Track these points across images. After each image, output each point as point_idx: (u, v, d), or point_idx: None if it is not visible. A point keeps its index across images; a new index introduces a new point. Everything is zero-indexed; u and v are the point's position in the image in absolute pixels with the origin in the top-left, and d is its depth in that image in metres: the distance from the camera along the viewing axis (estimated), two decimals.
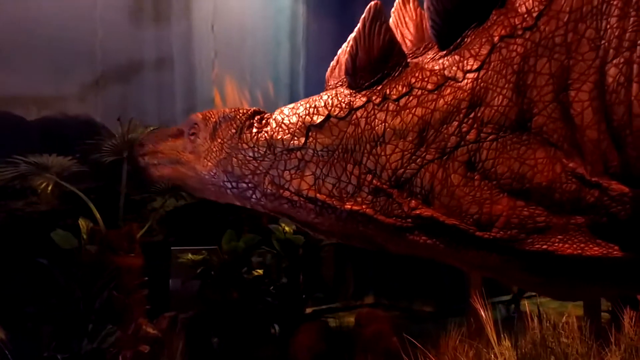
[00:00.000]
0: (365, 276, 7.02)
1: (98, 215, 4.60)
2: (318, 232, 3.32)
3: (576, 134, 2.46)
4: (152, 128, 5.30)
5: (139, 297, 4.38)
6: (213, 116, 3.56)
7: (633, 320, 3.07)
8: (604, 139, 2.38)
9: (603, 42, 2.37)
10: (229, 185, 3.30)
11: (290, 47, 9.88)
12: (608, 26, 2.37)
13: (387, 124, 2.87)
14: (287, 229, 5.30)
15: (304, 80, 10.07)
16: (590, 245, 2.52)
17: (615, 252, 2.49)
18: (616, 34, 2.34)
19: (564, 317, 3.10)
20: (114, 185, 5.21)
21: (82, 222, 4.62)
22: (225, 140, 3.31)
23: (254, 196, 3.22)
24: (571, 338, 2.79)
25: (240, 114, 3.45)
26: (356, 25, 3.27)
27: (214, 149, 3.32)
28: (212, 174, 3.33)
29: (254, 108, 3.56)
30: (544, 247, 2.58)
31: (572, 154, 2.47)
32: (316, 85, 10.39)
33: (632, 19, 2.30)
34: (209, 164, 3.33)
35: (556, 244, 2.57)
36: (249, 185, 3.20)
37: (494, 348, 3.07)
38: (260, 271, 5.01)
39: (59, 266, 4.49)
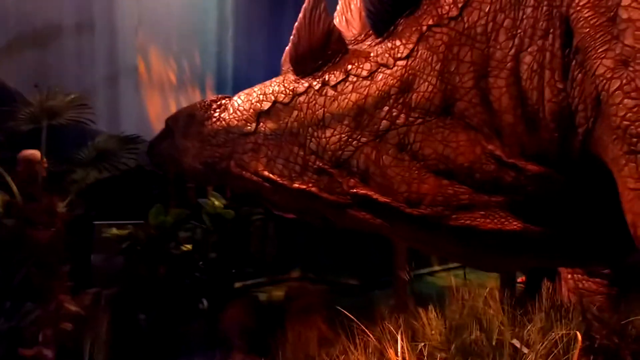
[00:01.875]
0: (292, 250, 7.11)
1: (15, 188, 4.36)
2: (277, 208, 3.54)
3: (495, 118, 2.63)
4: (72, 96, 5.06)
5: (60, 273, 4.22)
6: (180, 116, 3.78)
7: (549, 290, 3.33)
8: (519, 123, 2.56)
9: (519, 31, 2.52)
10: (209, 173, 3.54)
11: (219, 16, 9.63)
12: (524, 16, 2.51)
13: (326, 109, 3.05)
14: (217, 203, 5.27)
15: (233, 50, 9.87)
16: (510, 221, 2.74)
17: (532, 227, 2.72)
18: (531, 23, 2.48)
19: (487, 289, 3.31)
20: None
21: None
22: (193, 136, 3.54)
23: (228, 179, 3.49)
24: (494, 309, 2.99)
25: (198, 109, 3.63)
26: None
27: (188, 146, 3.55)
28: (193, 168, 3.55)
29: (212, 98, 3.68)
30: (467, 222, 2.79)
31: (491, 137, 2.65)
32: (245, 56, 10.26)
33: (544, 8, 2.45)
34: (188, 160, 3.56)
35: (478, 220, 2.78)
36: (221, 170, 3.44)
37: (422, 319, 3.22)
38: (189, 246, 4.96)
39: None
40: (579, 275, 3.66)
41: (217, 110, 3.54)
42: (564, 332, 2.56)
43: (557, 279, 3.82)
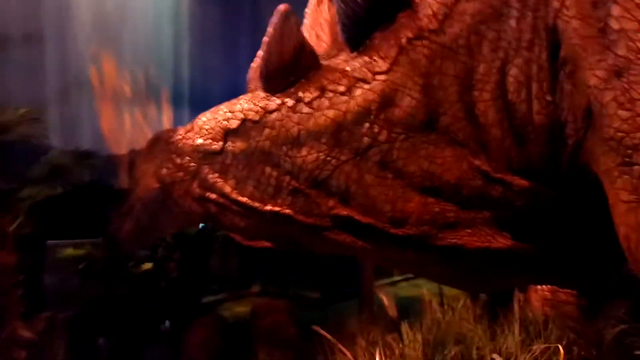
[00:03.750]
0: (251, 265, 6.97)
1: None
2: (247, 237, 3.32)
3: (481, 132, 2.60)
4: (23, 110, 4.80)
5: (13, 298, 3.95)
6: (146, 145, 3.54)
7: (520, 302, 3.34)
8: (506, 136, 2.54)
9: (503, 43, 2.51)
10: (164, 197, 3.25)
11: (174, 31, 9.44)
12: (508, 28, 2.50)
13: (301, 127, 2.91)
14: None
15: (189, 62, 9.67)
16: (497, 238, 2.71)
17: (520, 244, 2.70)
18: (515, 35, 2.47)
19: (461, 301, 3.29)
20: None
21: None
22: (156, 156, 3.28)
23: (186, 203, 3.19)
24: (470, 323, 2.97)
25: (164, 132, 3.43)
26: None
27: (149, 168, 3.29)
28: (150, 189, 3.27)
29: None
30: (454, 241, 2.73)
31: (478, 151, 2.62)
32: (202, 68, 10.08)
33: (529, 19, 2.44)
34: (146, 181, 3.28)
35: (465, 238, 2.73)
36: (180, 192, 3.17)
37: (397, 333, 3.17)
38: (149, 264, 4.75)
39: None
40: (549, 287, 3.70)
41: (183, 130, 3.34)
42: (544, 345, 2.57)
43: (528, 290, 3.86)
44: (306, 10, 3.35)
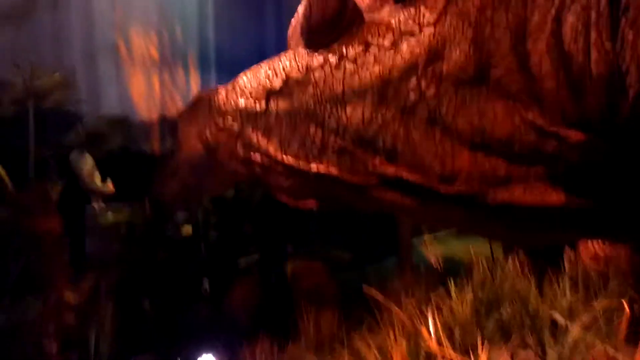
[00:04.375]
0: (282, 227, 6.99)
1: (5, 175, 4.12)
2: (293, 196, 3.29)
3: (534, 84, 2.46)
4: (58, 76, 4.79)
5: (60, 264, 4.03)
6: (186, 108, 3.56)
7: (571, 259, 3.26)
8: (562, 88, 2.40)
9: None
10: (210, 158, 3.28)
11: None
12: None
13: (346, 83, 2.80)
14: None
15: (214, 24, 9.53)
16: (551, 193, 2.60)
17: (574, 199, 2.60)
18: None
19: (509, 258, 3.23)
20: (20, 141, 4.67)
21: None
22: (199, 118, 3.28)
23: (231, 163, 3.20)
24: (522, 279, 2.91)
25: (207, 92, 3.41)
26: None
27: (191, 130, 3.30)
28: (193, 151, 3.29)
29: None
30: (506, 197, 2.62)
31: (531, 105, 2.49)
32: (227, 29, 9.93)
33: None
34: (189, 143, 3.30)
35: (517, 194, 2.61)
36: (225, 153, 3.17)
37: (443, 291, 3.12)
38: (189, 229, 4.79)
39: None
40: (600, 243, 3.60)
41: (225, 91, 3.31)
42: (605, 301, 2.49)
43: (577, 246, 3.77)
44: None
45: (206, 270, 4.94)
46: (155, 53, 8.65)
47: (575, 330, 2.33)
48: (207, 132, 3.24)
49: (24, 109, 4.51)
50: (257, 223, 5.45)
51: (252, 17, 10.12)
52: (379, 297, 2.94)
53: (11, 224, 3.92)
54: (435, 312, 2.82)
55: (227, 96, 3.23)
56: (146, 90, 8.51)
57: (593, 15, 2.27)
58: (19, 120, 4.52)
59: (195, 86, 9.44)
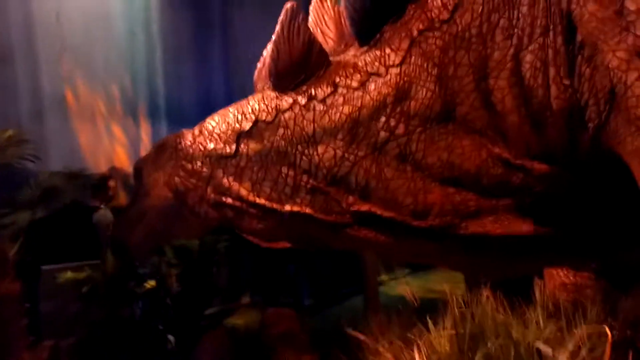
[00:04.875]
0: (239, 275, 6.86)
1: None
2: (265, 239, 3.26)
3: (498, 120, 2.58)
4: (10, 132, 4.63)
5: (18, 328, 3.79)
6: (149, 153, 3.50)
7: (541, 288, 3.31)
8: (525, 122, 2.53)
9: (516, 30, 2.48)
10: (178, 205, 3.22)
11: (146, 39, 9.26)
12: (520, 15, 2.48)
13: (316, 124, 2.87)
14: None
15: (163, 74, 9.50)
16: (519, 224, 2.69)
17: (540, 229, 2.69)
18: (528, 21, 2.45)
19: (484, 293, 3.24)
20: None
21: None
22: (165, 164, 3.23)
23: (201, 210, 3.16)
24: (501, 313, 2.92)
25: (170, 138, 3.39)
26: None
27: (159, 177, 3.23)
28: (163, 199, 3.22)
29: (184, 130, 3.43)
30: (478, 229, 2.70)
31: (496, 139, 2.60)
32: (176, 80, 9.91)
33: (541, 4, 2.42)
34: (157, 191, 3.25)
35: (488, 226, 2.71)
36: (195, 199, 3.13)
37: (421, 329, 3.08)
38: (153, 282, 4.62)
39: None
40: (566, 271, 3.70)
41: (191, 135, 3.30)
42: (585, 329, 2.53)
43: (545, 276, 3.85)
44: (310, 7, 3.30)
45: (172, 325, 4.75)
46: (103, 105, 8.52)
47: (562, 359, 2.35)
48: (176, 179, 3.20)
49: None
50: (223, 273, 5.33)
51: (200, 67, 10.18)
52: (360, 337, 2.90)
53: None
54: (422, 347, 2.78)
55: (194, 140, 3.21)
56: (95, 144, 8.33)
57: (550, 53, 2.42)
58: None
59: (146, 137, 9.32)
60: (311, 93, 2.91)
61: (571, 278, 3.63)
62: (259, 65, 3.36)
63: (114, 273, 4.56)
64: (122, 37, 8.89)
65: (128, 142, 8.87)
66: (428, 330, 3.13)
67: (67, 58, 7.91)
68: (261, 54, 3.33)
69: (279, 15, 3.03)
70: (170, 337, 4.83)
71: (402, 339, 3.27)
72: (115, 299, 4.51)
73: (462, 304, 3.31)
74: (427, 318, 3.28)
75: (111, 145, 8.64)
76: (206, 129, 3.21)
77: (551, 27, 2.42)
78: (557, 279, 3.73)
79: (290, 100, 2.95)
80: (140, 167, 3.49)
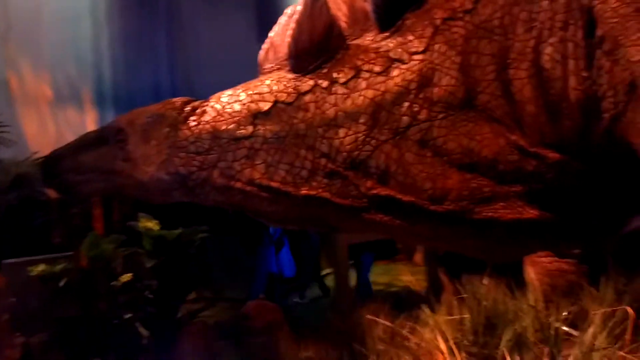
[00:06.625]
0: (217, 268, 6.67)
1: None
2: (272, 220, 3.19)
3: (516, 109, 2.71)
4: None
5: (3, 324, 3.52)
6: (139, 117, 3.12)
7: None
8: (541, 112, 2.67)
9: (536, 23, 2.63)
10: (175, 186, 3.00)
11: (92, 23, 8.81)
12: (540, 9, 2.62)
13: (337, 107, 2.87)
14: (150, 224, 4.76)
15: (110, 59, 9.08)
16: (527, 210, 2.84)
17: (546, 215, 2.84)
18: (548, 15, 2.60)
19: (484, 279, 3.35)
20: None
21: None
22: (160, 141, 2.96)
23: (202, 192, 2.98)
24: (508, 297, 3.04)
25: (169, 109, 3.08)
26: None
27: (151, 153, 2.96)
28: (155, 179, 2.96)
29: (182, 98, 3.18)
30: (490, 214, 2.83)
31: (514, 127, 2.73)
32: (124, 66, 9.52)
33: (561, 0, 2.56)
34: (149, 169, 2.96)
35: (500, 211, 2.85)
36: (197, 182, 2.93)
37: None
38: (129, 275, 4.41)
39: None
40: (548, 257, 3.88)
41: (194, 113, 3.08)
42: (604, 310, 2.67)
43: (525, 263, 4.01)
44: None
45: (147, 319, 4.57)
46: (49, 90, 8.02)
47: (587, 338, 2.46)
48: (176, 160, 2.95)
49: None
50: (201, 266, 5.18)
51: (147, 54, 9.85)
52: (380, 321, 2.95)
53: None
54: (435, 332, 2.84)
55: (200, 120, 3.01)
56: (40, 129, 7.85)
57: (570, 46, 2.57)
58: None
59: (91, 123, 8.88)
60: (333, 76, 2.91)
61: (555, 264, 3.83)
62: (264, 46, 3.29)
63: (86, 266, 4.33)
64: (67, 20, 8.39)
65: (73, 129, 8.40)
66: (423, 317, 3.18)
67: (10, 41, 7.38)
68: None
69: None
70: (144, 331, 4.64)
71: (401, 326, 3.33)
72: (90, 293, 4.28)
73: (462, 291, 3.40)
74: (426, 305, 3.35)
75: (56, 131, 8.16)
76: (214, 109, 3.02)
77: (571, 22, 2.56)
78: (540, 265, 3.92)
79: (312, 83, 2.93)
80: (121, 127, 3.14)
